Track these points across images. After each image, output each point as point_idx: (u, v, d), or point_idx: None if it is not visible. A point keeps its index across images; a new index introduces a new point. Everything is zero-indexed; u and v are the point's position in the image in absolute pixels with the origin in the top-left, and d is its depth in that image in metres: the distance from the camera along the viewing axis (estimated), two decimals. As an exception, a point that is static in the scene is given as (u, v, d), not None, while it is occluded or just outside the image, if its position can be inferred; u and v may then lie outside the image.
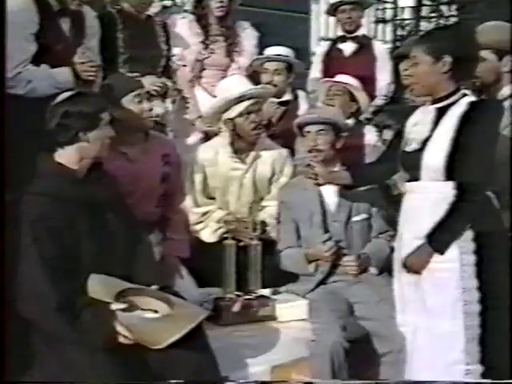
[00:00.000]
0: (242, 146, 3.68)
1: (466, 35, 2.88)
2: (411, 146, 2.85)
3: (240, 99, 3.58)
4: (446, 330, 2.72)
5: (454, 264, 2.72)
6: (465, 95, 2.80)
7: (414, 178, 2.85)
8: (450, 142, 2.72)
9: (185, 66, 4.15)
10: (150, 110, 3.24)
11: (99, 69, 3.31)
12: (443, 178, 2.75)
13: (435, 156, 2.75)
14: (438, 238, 2.75)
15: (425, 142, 2.79)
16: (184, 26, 4.18)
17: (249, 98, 3.59)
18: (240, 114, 3.59)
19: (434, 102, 2.83)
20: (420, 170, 2.80)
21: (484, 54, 3.12)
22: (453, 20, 7.70)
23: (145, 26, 3.87)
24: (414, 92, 2.99)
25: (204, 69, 4.22)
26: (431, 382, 2.72)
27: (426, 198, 2.79)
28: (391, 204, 3.42)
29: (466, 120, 2.72)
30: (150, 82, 3.57)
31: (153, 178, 3.33)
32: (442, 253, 2.73)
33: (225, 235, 3.46)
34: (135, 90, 3.19)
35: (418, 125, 2.86)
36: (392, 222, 3.26)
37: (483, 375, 2.71)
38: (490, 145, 2.73)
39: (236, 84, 3.69)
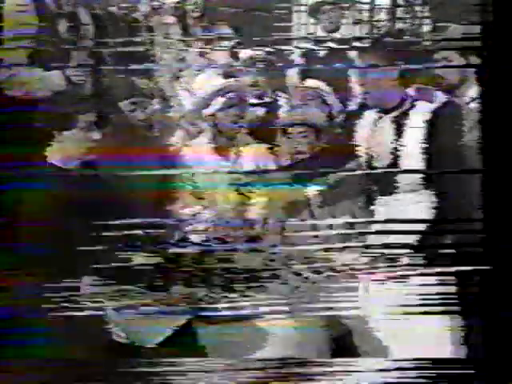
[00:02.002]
0: (224, 143, 3.73)
1: (413, 43, 2.94)
2: (379, 162, 2.88)
3: (218, 94, 3.63)
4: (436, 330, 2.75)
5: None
6: (415, 101, 2.84)
7: (387, 191, 2.87)
8: (423, 151, 2.76)
9: (166, 65, 4.19)
10: (145, 119, 3.29)
11: (90, 72, 3.34)
12: (421, 188, 2.79)
13: (410, 169, 2.78)
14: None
15: (391, 154, 2.82)
16: (165, 26, 4.23)
17: (226, 92, 3.63)
18: (220, 109, 3.64)
19: (384, 111, 2.85)
20: (393, 185, 2.83)
21: (450, 55, 3.23)
22: (426, 21, 7.78)
23: (132, 28, 3.90)
24: (365, 101, 3.02)
25: (184, 68, 4.27)
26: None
27: (404, 210, 2.82)
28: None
29: (432, 126, 2.76)
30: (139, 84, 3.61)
31: (149, 179, 3.36)
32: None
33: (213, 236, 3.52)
34: (133, 94, 3.23)
35: (374, 136, 2.88)
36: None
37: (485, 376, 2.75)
38: (459, 148, 2.79)
39: (208, 80, 3.76)
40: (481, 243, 2.70)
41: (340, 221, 3.44)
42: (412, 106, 2.82)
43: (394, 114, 2.82)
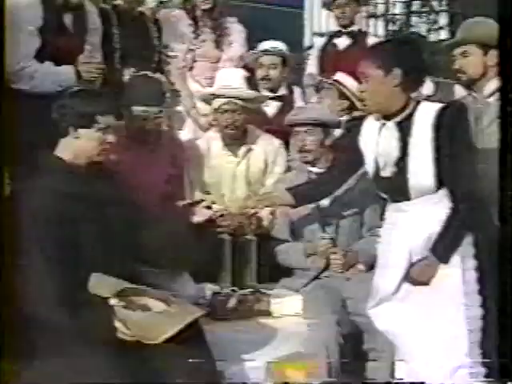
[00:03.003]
0: (232, 139, 3.71)
1: (413, 46, 2.86)
2: (386, 171, 2.80)
3: (213, 97, 3.64)
4: (448, 335, 2.71)
5: (456, 269, 2.71)
6: (418, 103, 2.78)
7: (397, 199, 2.81)
8: (432, 156, 2.69)
9: (176, 57, 4.17)
10: (160, 111, 3.28)
11: (102, 69, 3.34)
12: (433, 192, 2.73)
13: (421, 175, 2.71)
14: (442, 248, 2.73)
15: (398, 162, 2.76)
16: (174, 19, 4.21)
17: (221, 97, 3.63)
18: (215, 110, 3.65)
19: (386, 117, 2.78)
20: (404, 192, 2.76)
21: (469, 49, 3.15)
22: (444, 15, 7.74)
23: (138, 22, 3.88)
24: (366, 108, 2.95)
25: (195, 60, 4.24)
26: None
27: (418, 215, 2.76)
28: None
29: (438, 128, 2.69)
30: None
31: (159, 178, 3.35)
32: (446, 262, 2.72)
33: (220, 230, 3.49)
34: (156, 91, 3.23)
35: (379, 144, 2.80)
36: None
37: (486, 377, 2.70)
38: (468, 148, 2.73)
39: (229, 79, 3.74)
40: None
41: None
42: (414, 109, 2.77)
43: (397, 119, 2.76)
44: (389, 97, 2.74)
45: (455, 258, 2.72)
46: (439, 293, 2.73)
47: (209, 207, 2.92)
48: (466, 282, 2.70)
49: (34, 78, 3.20)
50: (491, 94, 3.15)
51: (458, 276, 2.71)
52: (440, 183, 2.72)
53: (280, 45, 4.36)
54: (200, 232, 3.03)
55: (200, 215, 2.90)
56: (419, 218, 2.75)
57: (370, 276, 3.32)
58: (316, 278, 3.38)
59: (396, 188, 2.78)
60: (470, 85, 3.22)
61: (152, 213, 2.89)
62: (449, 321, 2.71)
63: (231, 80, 3.72)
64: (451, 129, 2.69)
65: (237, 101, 3.63)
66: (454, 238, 2.74)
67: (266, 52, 4.30)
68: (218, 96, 3.64)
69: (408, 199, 2.77)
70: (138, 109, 3.26)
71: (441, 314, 2.72)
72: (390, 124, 2.77)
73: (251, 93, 3.79)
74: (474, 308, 2.71)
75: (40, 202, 2.52)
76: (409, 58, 2.74)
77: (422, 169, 2.71)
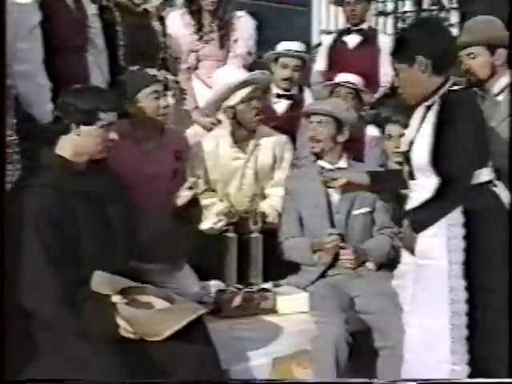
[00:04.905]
0: (242, 135, 3.68)
1: (431, 29, 2.82)
2: (401, 148, 2.86)
3: (241, 86, 3.59)
4: (432, 329, 2.68)
5: (442, 262, 2.67)
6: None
7: (410, 177, 2.83)
8: (431, 139, 2.68)
9: (179, 57, 4.16)
10: (166, 106, 3.27)
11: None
12: (432, 175, 2.70)
13: (420, 154, 2.72)
14: (415, 218, 2.73)
15: (411, 142, 2.78)
16: (177, 18, 4.20)
17: (249, 84, 3.59)
18: (242, 101, 3.59)
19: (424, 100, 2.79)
20: (411, 170, 2.79)
21: (476, 50, 3.12)
22: (454, 12, 7.69)
23: (142, 20, 3.86)
24: (407, 101, 2.92)
25: (200, 60, 4.23)
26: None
27: (420, 196, 2.75)
28: (397, 202, 3.38)
29: (441, 113, 2.69)
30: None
31: (164, 174, 3.33)
32: (416, 232, 2.71)
33: (225, 228, 3.47)
34: (150, 85, 3.22)
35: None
36: (396, 220, 3.28)
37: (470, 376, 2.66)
38: (468, 133, 2.68)
39: (230, 73, 3.71)
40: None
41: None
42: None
43: (426, 103, 2.76)
44: (421, 84, 2.74)
45: (442, 249, 2.67)
46: (424, 285, 2.71)
47: (191, 188, 2.88)
48: (452, 277, 2.65)
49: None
50: (500, 92, 3.13)
51: (444, 270, 2.66)
52: (438, 168, 2.69)
53: (301, 46, 4.35)
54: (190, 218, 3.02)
55: (182, 197, 2.87)
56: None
57: (378, 275, 3.33)
58: (323, 275, 3.35)
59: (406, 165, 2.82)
60: (479, 85, 3.18)
61: (152, 208, 2.88)
62: (432, 314, 2.68)
63: (232, 75, 3.70)
64: (452, 113, 2.68)
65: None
66: (432, 212, 2.69)
67: (287, 53, 4.27)
68: (249, 84, 3.60)
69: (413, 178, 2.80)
70: (144, 94, 3.23)
71: (425, 307, 2.70)
72: (420, 107, 2.78)
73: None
74: (460, 303, 2.65)
75: (40, 199, 2.51)
76: (428, 41, 2.71)
77: (422, 151, 2.71)
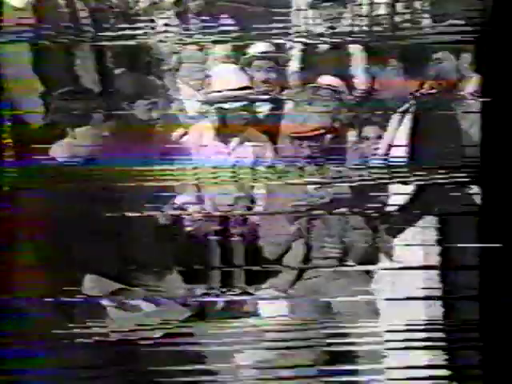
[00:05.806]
0: (226, 133, 3.74)
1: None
2: (380, 151, 2.95)
3: (238, 98, 3.67)
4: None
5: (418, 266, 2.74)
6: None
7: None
8: (407, 142, 2.79)
9: (163, 60, 4.18)
10: (158, 119, 3.30)
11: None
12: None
13: (397, 158, 2.80)
14: (391, 223, 2.83)
15: (389, 146, 2.87)
16: (162, 21, 4.22)
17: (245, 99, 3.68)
18: (233, 110, 3.67)
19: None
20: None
21: (442, 55, 3.21)
22: (425, 16, 7.75)
23: (132, 23, 3.88)
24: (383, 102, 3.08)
25: (182, 62, 4.26)
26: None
27: (396, 200, 2.84)
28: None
29: (417, 117, 2.80)
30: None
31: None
32: (392, 237, 2.80)
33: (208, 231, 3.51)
34: (146, 92, 3.24)
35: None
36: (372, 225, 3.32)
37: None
38: (442, 136, 2.80)
39: (234, 77, 3.80)
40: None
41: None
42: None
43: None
44: (396, 87, 2.84)
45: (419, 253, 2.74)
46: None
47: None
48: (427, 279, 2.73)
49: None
50: (470, 96, 3.18)
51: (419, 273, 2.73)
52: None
53: (272, 47, 4.38)
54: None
55: (165, 218, 2.92)
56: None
57: (356, 278, 3.38)
58: (300, 275, 3.40)
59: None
60: (448, 90, 3.25)
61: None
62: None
63: (235, 79, 3.75)
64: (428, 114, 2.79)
65: None
66: (408, 215, 2.78)
67: (261, 55, 4.31)
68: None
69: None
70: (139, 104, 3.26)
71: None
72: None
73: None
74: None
75: (34, 202, 2.53)
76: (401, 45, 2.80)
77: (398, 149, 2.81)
